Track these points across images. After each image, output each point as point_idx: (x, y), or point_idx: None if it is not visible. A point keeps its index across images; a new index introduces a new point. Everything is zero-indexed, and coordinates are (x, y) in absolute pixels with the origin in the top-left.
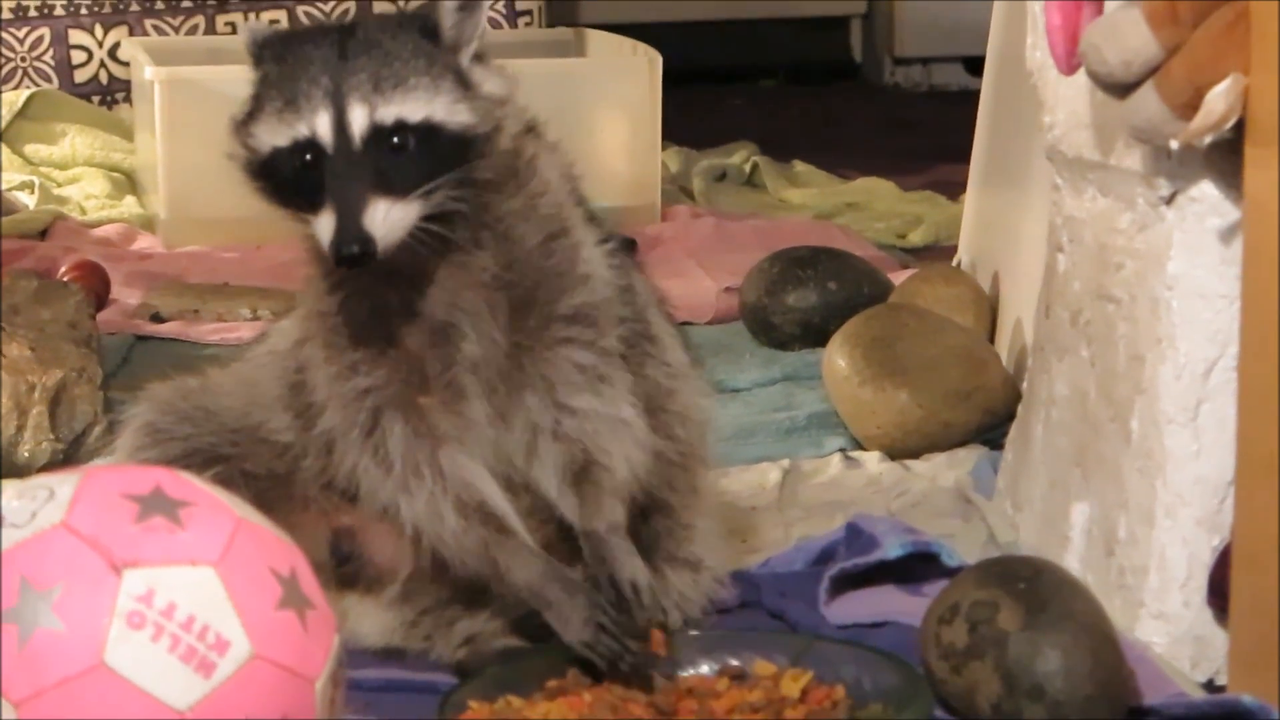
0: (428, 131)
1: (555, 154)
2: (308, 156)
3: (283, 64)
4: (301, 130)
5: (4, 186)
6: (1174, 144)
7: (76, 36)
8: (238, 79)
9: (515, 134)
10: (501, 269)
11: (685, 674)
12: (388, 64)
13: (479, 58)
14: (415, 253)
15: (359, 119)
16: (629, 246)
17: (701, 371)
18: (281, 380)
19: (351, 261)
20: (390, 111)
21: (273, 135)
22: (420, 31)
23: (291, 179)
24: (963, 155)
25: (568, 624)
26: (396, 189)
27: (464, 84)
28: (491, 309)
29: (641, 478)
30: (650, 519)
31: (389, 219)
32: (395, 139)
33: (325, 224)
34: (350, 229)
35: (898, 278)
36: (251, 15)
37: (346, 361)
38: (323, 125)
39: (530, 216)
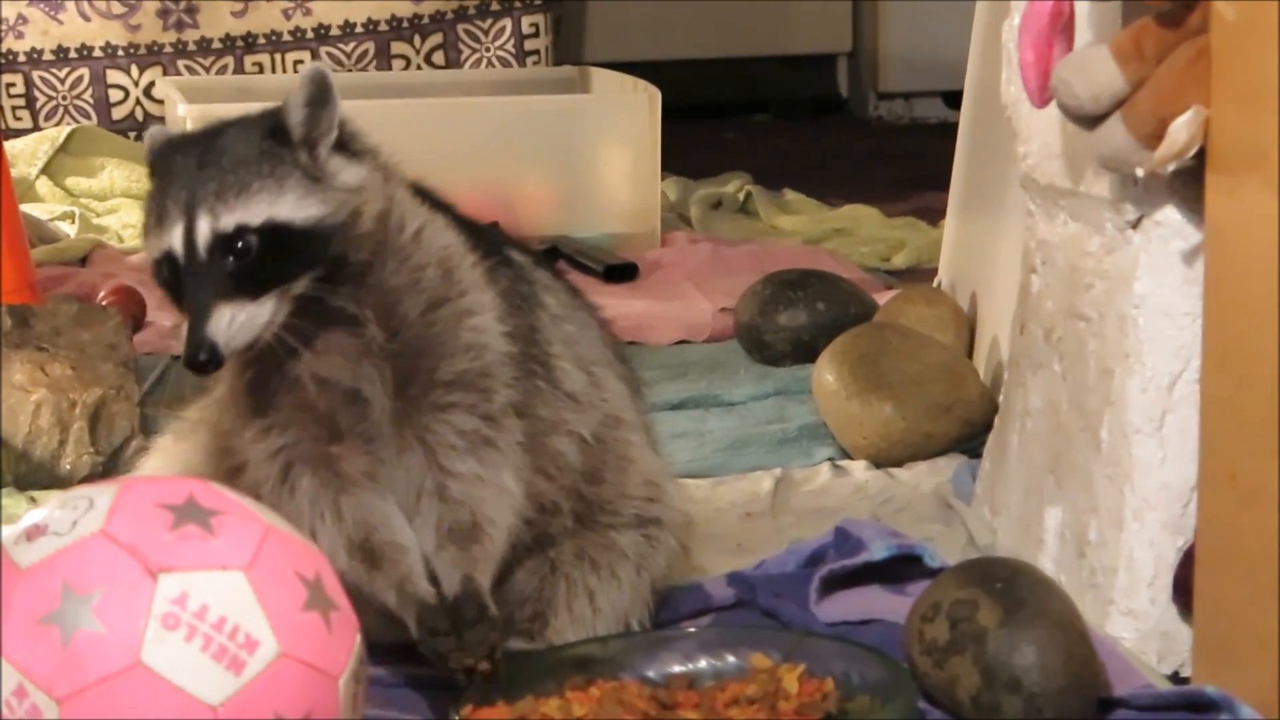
0: (272, 232)
1: (442, 219)
2: (167, 270)
3: (159, 177)
4: (164, 244)
5: (46, 217)
6: (1140, 172)
7: (114, 76)
8: None
9: (378, 214)
10: (387, 339)
11: (685, 669)
12: (234, 171)
13: (345, 144)
14: (317, 328)
15: (203, 230)
16: (629, 271)
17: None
18: (205, 448)
19: (197, 368)
20: (231, 219)
21: (149, 249)
22: (268, 133)
23: (165, 290)
24: (942, 184)
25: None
26: (246, 292)
27: (314, 178)
28: (381, 377)
29: (513, 542)
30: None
31: (234, 324)
32: (240, 244)
33: (182, 332)
34: (194, 338)
35: (882, 298)
36: (277, 56)
37: (261, 425)
38: (176, 238)
39: (414, 289)
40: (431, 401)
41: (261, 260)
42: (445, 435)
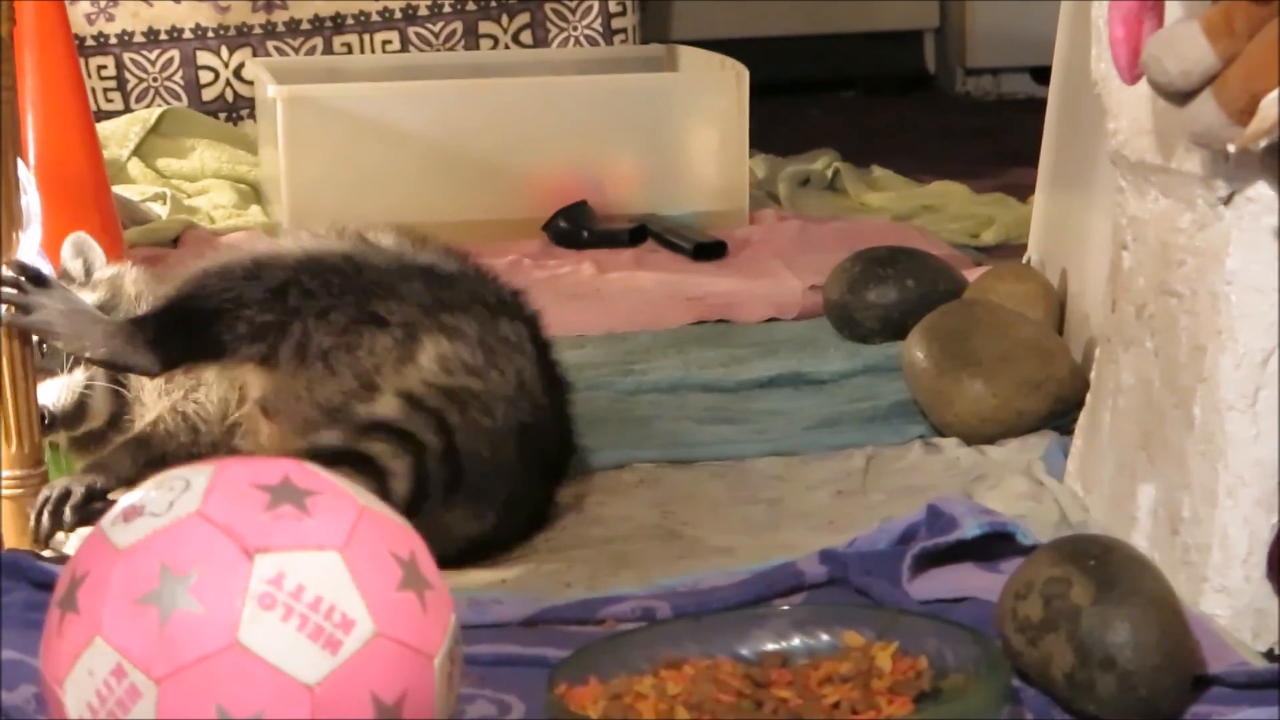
0: None
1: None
2: None
3: None
4: None
5: (138, 198)
6: (1231, 148)
7: (204, 58)
8: (353, 95)
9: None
10: None
11: (778, 647)
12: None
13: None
14: None
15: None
16: (718, 249)
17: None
18: None
19: (48, 429)
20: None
21: None
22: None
23: None
24: (1031, 159)
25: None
26: (57, 369)
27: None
28: None
29: None
30: None
31: (53, 391)
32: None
33: None
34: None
35: (971, 275)
36: (366, 37)
37: None
38: None
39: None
40: None
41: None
42: None
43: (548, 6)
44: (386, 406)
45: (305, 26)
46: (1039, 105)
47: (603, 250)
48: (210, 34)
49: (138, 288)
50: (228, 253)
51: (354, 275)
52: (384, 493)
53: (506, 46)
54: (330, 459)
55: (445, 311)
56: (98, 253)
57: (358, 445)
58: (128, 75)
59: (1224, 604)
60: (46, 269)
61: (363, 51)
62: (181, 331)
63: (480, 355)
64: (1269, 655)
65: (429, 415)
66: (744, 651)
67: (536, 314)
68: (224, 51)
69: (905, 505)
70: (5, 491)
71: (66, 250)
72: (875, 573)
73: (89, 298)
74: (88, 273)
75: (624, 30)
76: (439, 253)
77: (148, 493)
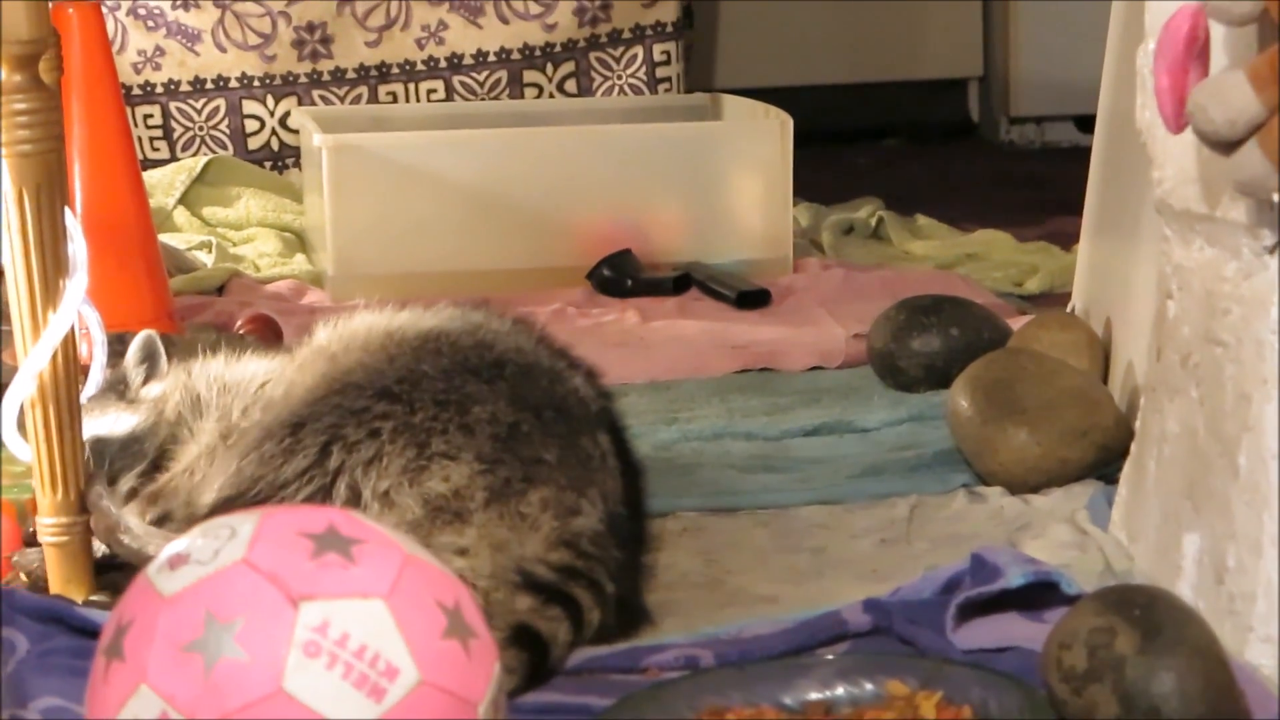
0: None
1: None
2: None
3: None
4: None
5: (184, 247)
6: (1277, 197)
7: (249, 107)
8: (399, 144)
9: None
10: None
11: (822, 696)
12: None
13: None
14: None
15: None
16: (762, 297)
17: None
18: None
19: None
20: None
21: None
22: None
23: None
24: (1075, 208)
25: None
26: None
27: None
28: None
29: None
30: None
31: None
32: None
33: None
34: None
35: (1016, 324)
36: (411, 86)
37: None
38: None
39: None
40: None
41: None
42: None
43: (592, 56)
44: (559, 556)
45: (350, 75)
46: (1083, 154)
47: (646, 299)
48: (256, 83)
49: (178, 413)
50: (267, 413)
51: (406, 413)
52: (579, 628)
53: (551, 95)
54: (539, 590)
55: (526, 444)
56: (162, 362)
57: (570, 589)
58: (174, 124)
59: (1269, 653)
60: (93, 316)
61: (408, 100)
62: None
63: (573, 495)
64: None
65: (598, 563)
66: (788, 700)
67: (610, 398)
68: (269, 100)
69: (949, 554)
70: (48, 539)
71: (133, 352)
72: (919, 622)
73: (130, 419)
74: (147, 378)
75: (668, 79)
76: (509, 334)
77: (193, 540)
